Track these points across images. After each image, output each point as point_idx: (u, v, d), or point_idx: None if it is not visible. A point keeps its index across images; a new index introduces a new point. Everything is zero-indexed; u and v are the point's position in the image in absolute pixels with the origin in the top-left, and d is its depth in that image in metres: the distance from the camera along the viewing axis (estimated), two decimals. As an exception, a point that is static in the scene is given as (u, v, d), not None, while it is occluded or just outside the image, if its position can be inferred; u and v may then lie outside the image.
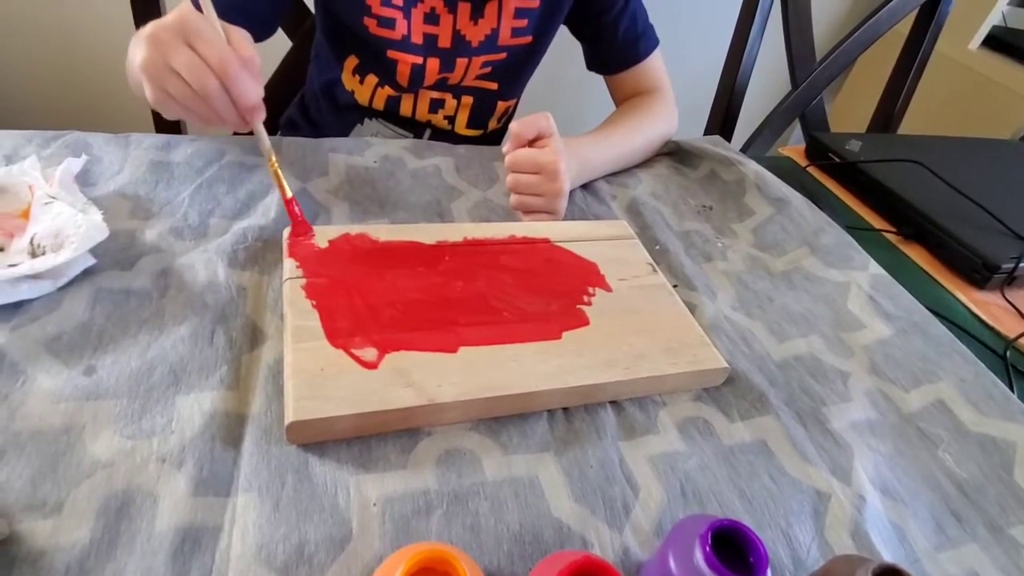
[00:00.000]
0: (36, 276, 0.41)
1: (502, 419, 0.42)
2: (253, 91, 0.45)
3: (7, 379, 0.37)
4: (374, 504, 0.36)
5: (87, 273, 0.44)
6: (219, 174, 0.56)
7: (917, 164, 0.79)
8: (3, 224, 0.46)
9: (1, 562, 0.30)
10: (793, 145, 0.96)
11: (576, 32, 0.80)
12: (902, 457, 0.47)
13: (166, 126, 0.83)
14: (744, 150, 0.95)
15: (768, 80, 1.41)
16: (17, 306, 0.41)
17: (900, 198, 0.76)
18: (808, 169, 0.86)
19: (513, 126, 0.59)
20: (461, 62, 0.73)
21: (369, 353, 0.41)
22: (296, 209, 0.50)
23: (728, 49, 1.08)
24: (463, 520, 0.36)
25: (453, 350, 0.43)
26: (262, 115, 0.48)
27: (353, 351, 0.41)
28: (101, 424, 0.36)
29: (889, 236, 0.75)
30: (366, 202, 0.58)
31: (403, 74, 0.72)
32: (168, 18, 0.44)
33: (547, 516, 0.37)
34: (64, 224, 0.43)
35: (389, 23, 0.68)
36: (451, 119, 0.80)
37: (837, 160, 0.83)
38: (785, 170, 0.78)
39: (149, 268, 0.46)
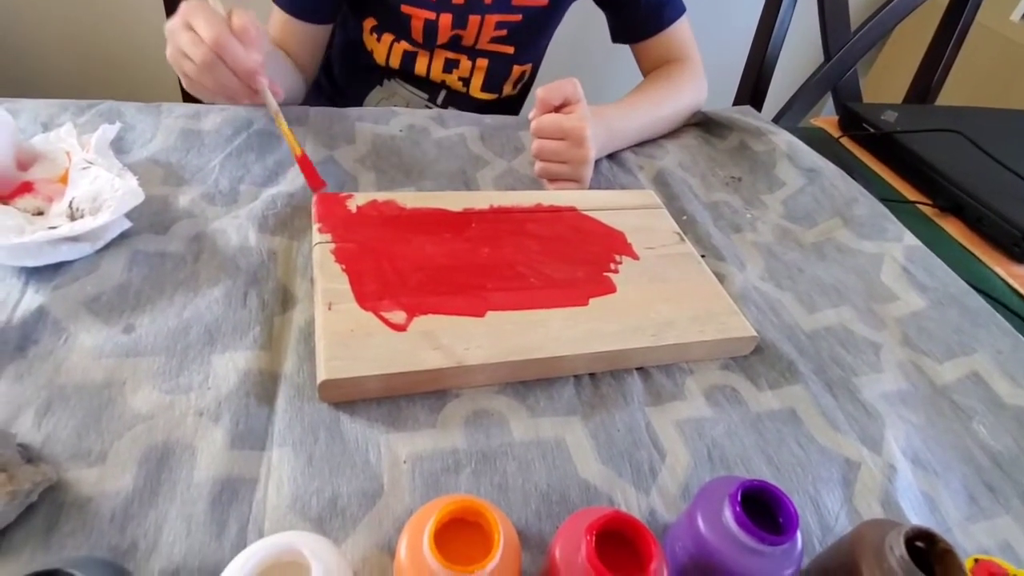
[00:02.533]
0: (75, 238, 0.42)
1: (529, 383, 0.42)
2: (244, 57, 0.50)
3: (51, 336, 0.38)
4: (404, 461, 0.36)
5: (123, 236, 0.45)
6: (248, 142, 0.56)
7: (956, 134, 0.77)
8: (42, 189, 0.47)
9: (51, 507, 0.31)
10: (825, 116, 0.93)
11: (598, 1, 0.79)
12: (934, 428, 0.46)
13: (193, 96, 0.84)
14: (775, 122, 0.93)
15: (800, 50, 1.36)
16: (57, 267, 0.42)
17: (937, 170, 0.74)
18: (841, 140, 0.84)
19: (540, 91, 0.58)
20: (474, 19, 0.72)
21: (398, 316, 0.42)
22: (309, 164, 0.53)
23: (759, 18, 1.05)
24: (491, 478, 0.36)
25: (480, 314, 0.43)
26: (262, 79, 0.52)
27: (382, 313, 0.42)
28: (140, 380, 0.37)
29: (924, 209, 0.73)
30: (392, 171, 0.58)
31: (416, 29, 0.72)
32: (179, 9, 0.50)
33: (574, 477, 0.37)
34: (101, 188, 0.44)
35: None
36: (466, 81, 0.79)
37: (872, 131, 0.81)
38: (817, 141, 0.76)
39: (183, 232, 0.47)
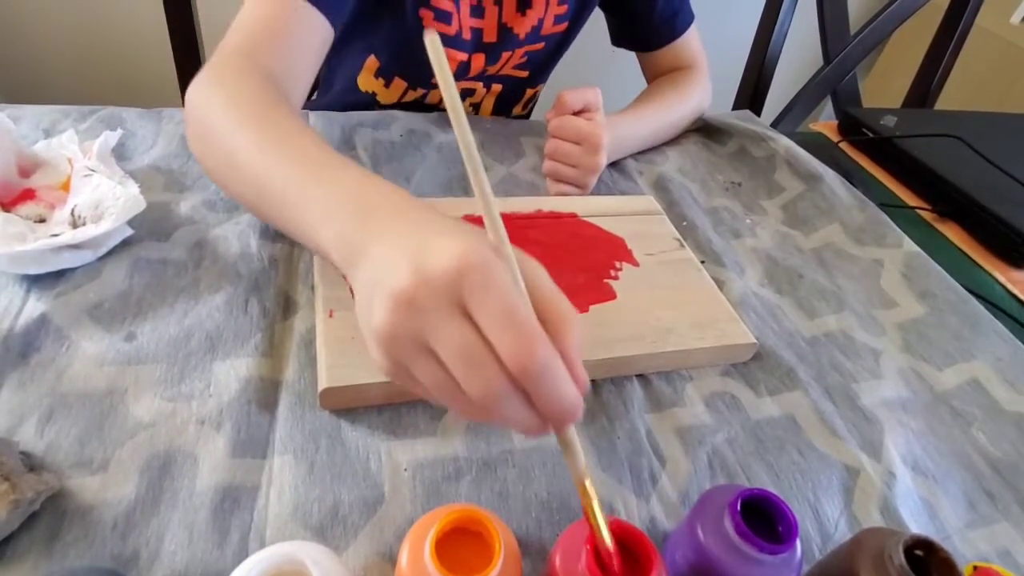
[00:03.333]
0: (77, 246, 0.42)
1: (529, 390, 0.42)
2: (568, 392, 0.26)
3: (53, 344, 0.38)
4: (405, 469, 0.36)
5: (125, 243, 0.45)
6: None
7: (955, 139, 0.77)
8: (44, 196, 0.47)
9: (53, 515, 0.31)
10: (824, 120, 0.94)
11: (607, 8, 0.77)
12: (934, 435, 0.46)
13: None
14: (774, 126, 0.93)
15: (799, 54, 1.37)
16: (59, 274, 0.42)
17: (936, 175, 0.74)
18: (840, 145, 0.84)
19: (562, 94, 0.59)
20: (506, 55, 0.71)
21: (399, 323, 0.42)
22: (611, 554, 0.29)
23: (759, 21, 1.05)
24: (491, 486, 0.36)
25: (481, 321, 0.43)
26: (576, 418, 0.27)
27: (383, 321, 0.42)
28: (142, 387, 0.37)
29: (923, 213, 0.73)
30: (392, 176, 0.58)
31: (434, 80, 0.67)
32: (435, 267, 0.25)
33: (574, 484, 0.37)
34: (103, 196, 0.44)
35: (445, 16, 0.64)
36: (476, 106, 0.78)
37: (871, 135, 0.81)
38: (817, 146, 0.76)
39: (184, 239, 0.47)
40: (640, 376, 0.45)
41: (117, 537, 0.31)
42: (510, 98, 0.79)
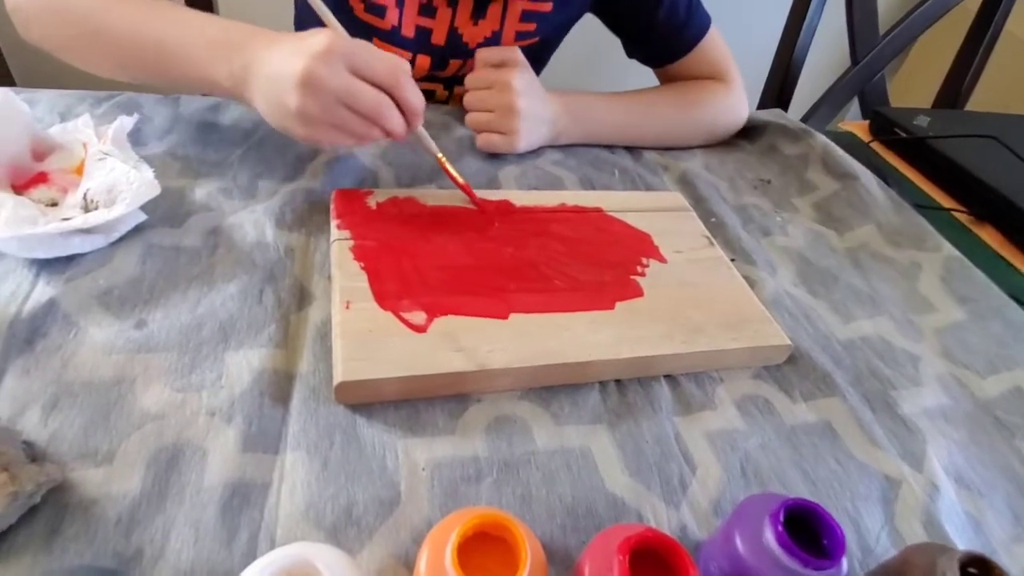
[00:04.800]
0: (89, 230, 0.41)
1: (553, 388, 0.40)
2: (420, 96, 0.44)
3: (61, 330, 0.37)
4: (423, 468, 0.35)
5: (138, 229, 0.44)
6: (268, 136, 0.55)
7: (991, 140, 0.74)
8: (57, 179, 0.46)
9: (54, 509, 0.30)
10: (851, 120, 0.91)
11: (607, 25, 0.71)
12: (977, 446, 0.43)
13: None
14: (801, 126, 0.91)
15: (827, 53, 1.34)
16: (70, 259, 0.41)
17: (972, 176, 0.71)
18: (871, 145, 0.81)
19: (478, 52, 0.58)
20: (455, 63, 0.66)
21: (418, 316, 0.40)
22: (472, 193, 0.51)
23: (786, 21, 1.02)
24: (514, 489, 0.34)
25: (503, 316, 0.41)
26: (421, 115, 0.46)
27: (402, 314, 0.40)
28: (152, 376, 0.36)
29: (959, 216, 0.70)
30: (413, 168, 0.56)
31: None
32: (316, 49, 0.40)
33: (601, 489, 0.35)
34: (117, 180, 0.43)
35: (378, 10, 0.61)
36: (444, 102, 0.73)
37: (904, 135, 0.79)
38: (847, 145, 0.73)
39: (199, 226, 0.45)
40: (668, 377, 0.43)
41: (120, 534, 0.29)
42: None
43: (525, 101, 0.57)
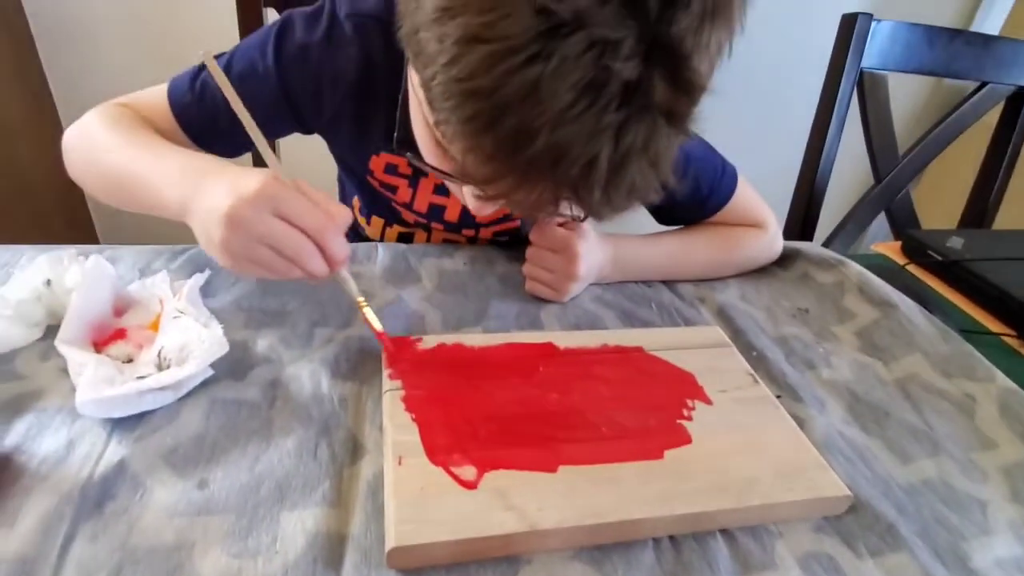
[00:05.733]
0: (161, 388, 0.44)
1: (605, 547, 0.39)
2: (344, 247, 0.45)
3: (128, 491, 0.38)
4: (476, 643, 0.33)
5: (204, 383, 0.46)
6: (322, 283, 0.59)
7: (1030, 261, 0.74)
8: (133, 336, 0.49)
9: None
10: (882, 241, 0.92)
11: None
12: (1067, 607, 0.40)
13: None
14: (826, 245, 0.92)
15: (848, 171, 1.38)
16: (140, 416, 0.43)
17: (1017, 300, 0.70)
18: (906, 268, 0.82)
19: None
20: (468, 232, 0.71)
21: (468, 472, 0.40)
22: (386, 340, 0.50)
23: (806, 144, 1.07)
24: (571, 667, 0.33)
25: (552, 469, 0.42)
26: (347, 263, 0.48)
27: (452, 469, 0.40)
28: (210, 541, 0.36)
29: (1008, 340, 0.69)
30: (459, 309, 0.59)
31: (408, 219, 0.71)
32: (245, 191, 0.41)
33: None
34: (189, 339, 0.46)
35: (391, 189, 0.67)
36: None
37: (939, 258, 0.79)
38: (881, 269, 0.74)
39: (260, 379, 0.48)
40: (723, 531, 0.42)
41: None
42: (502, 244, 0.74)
43: (584, 268, 0.60)
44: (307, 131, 0.64)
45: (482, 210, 0.49)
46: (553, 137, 0.34)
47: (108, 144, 0.54)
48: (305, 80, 0.58)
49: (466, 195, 0.49)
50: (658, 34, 0.33)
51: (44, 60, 1.39)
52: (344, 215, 0.45)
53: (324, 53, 0.57)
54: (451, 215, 0.69)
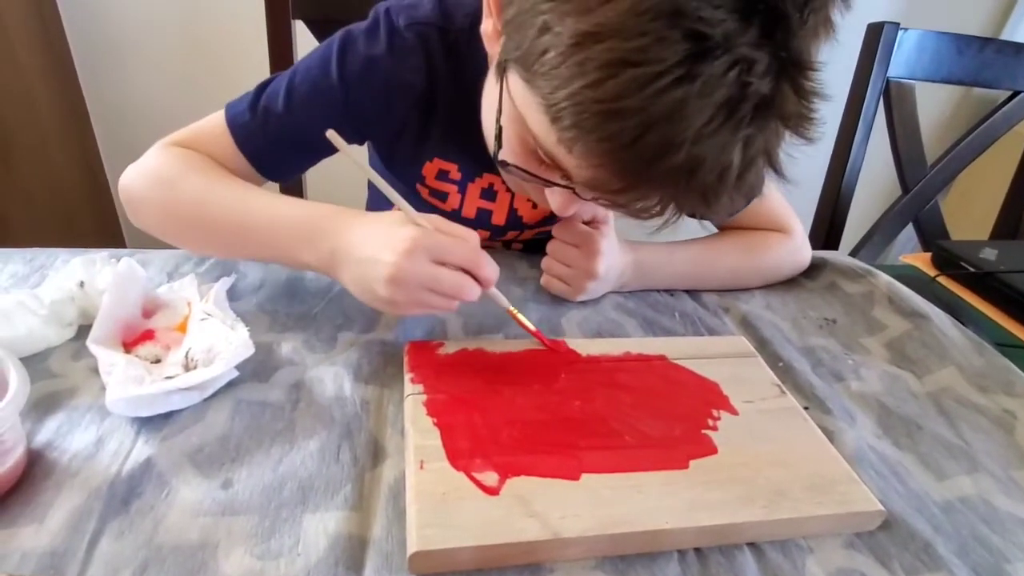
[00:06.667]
0: (187, 388, 0.44)
1: (628, 558, 0.39)
2: (495, 269, 0.48)
3: (154, 489, 0.39)
4: (498, 652, 0.33)
5: (229, 384, 0.47)
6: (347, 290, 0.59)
7: (1070, 274, 0.72)
8: (162, 337, 0.50)
9: None
10: (910, 253, 0.90)
11: None
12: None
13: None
14: (853, 254, 0.90)
15: (875, 182, 1.35)
16: (167, 416, 0.44)
17: (1055, 312, 0.68)
18: (938, 280, 0.80)
19: None
20: (512, 234, 0.72)
21: (490, 477, 0.40)
22: (543, 337, 0.54)
23: (831, 155, 1.06)
24: None
25: (575, 477, 0.41)
26: (492, 282, 0.49)
27: (474, 474, 0.40)
28: (234, 541, 0.36)
29: (1047, 354, 0.67)
30: (480, 316, 0.59)
31: None
32: (401, 247, 0.44)
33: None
34: (216, 340, 0.46)
35: (441, 196, 0.67)
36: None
37: (972, 270, 0.77)
38: (911, 280, 0.72)
39: (284, 381, 0.48)
40: (751, 545, 0.41)
41: None
42: (539, 250, 0.73)
43: (604, 266, 0.60)
44: (363, 142, 0.64)
45: (569, 207, 0.50)
46: (693, 151, 0.36)
47: (195, 196, 0.54)
48: (375, 93, 0.57)
49: (555, 197, 0.50)
50: (788, 49, 0.35)
51: (78, 63, 1.43)
52: (477, 238, 0.48)
53: (390, 64, 0.56)
54: (498, 219, 0.69)
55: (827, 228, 1.07)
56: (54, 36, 1.36)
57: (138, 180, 0.56)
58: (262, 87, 0.58)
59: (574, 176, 0.44)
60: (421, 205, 0.68)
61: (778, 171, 0.42)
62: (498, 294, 0.52)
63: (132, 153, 0.58)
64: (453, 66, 0.57)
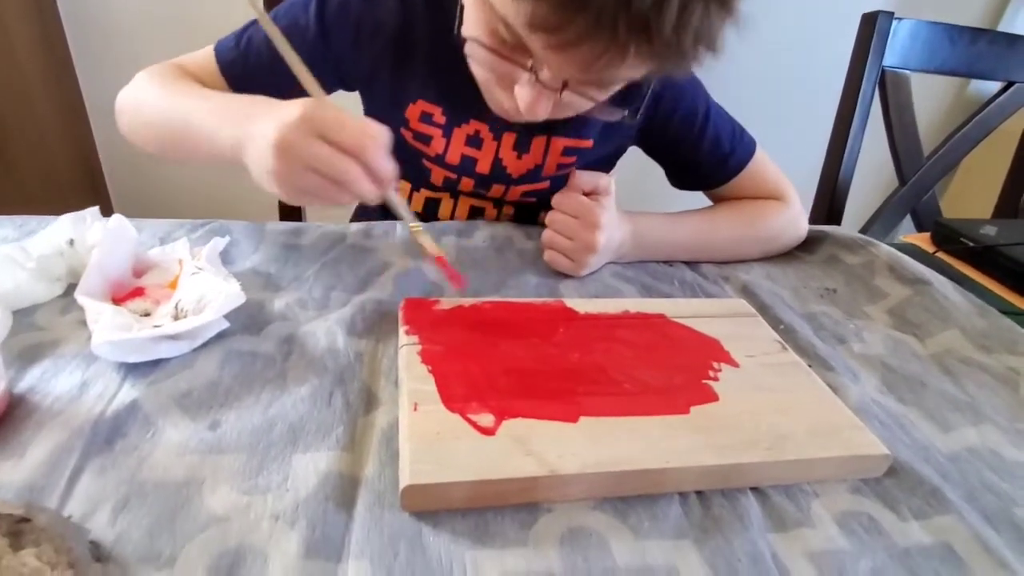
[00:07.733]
0: (176, 337, 0.43)
1: (629, 499, 0.37)
2: (389, 164, 0.44)
3: (140, 431, 0.38)
4: (494, 584, 0.32)
5: (220, 336, 0.46)
6: (341, 255, 0.59)
7: (1070, 247, 0.71)
8: (152, 293, 0.49)
9: (111, 616, 0.28)
10: (909, 234, 0.90)
11: (651, 157, 0.73)
12: None
13: (289, 213, 0.94)
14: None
15: (873, 173, 1.35)
16: (156, 363, 0.43)
17: (1056, 282, 0.68)
18: (937, 255, 0.79)
19: (574, 173, 0.61)
20: (498, 188, 0.70)
21: (486, 419, 0.39)
22: (448, 266, 0.52)
23: (828, 144, 1.06)
24: (594, 611, 0.31)
25: (573, 420, 0.40)
26: (396, 184, 0.47)
27: (470, 416, 0.39)
28: (220, 478, 0.35)
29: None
30: (477, 281, 0.58)
31: (437, 179, 0.70)
32: (288, 118, 0.42)
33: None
34: (207, 291, 0.46)
35: (425, 139, 0.66)
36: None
37: (972, 244, 0.77)
38: (911, 255, 0.72)
39: (275, 334, 0.47)
40: (755, 489, 0.39)
41: (176, 645, 0.27)
42: (526, 222, 0.72)
43: (604, 238, 0.59)
44: (348, 87, 0.66)
45: (538, 105, 0.49)
46: None
47: (158, 100, 0.57)
48: (345, 32, 0.60)
49: (523, 90, 0.49)
50: None
51: (76, 62, 1.44)
52: (384, 133, 0.44)
53: (362, 5, 0.60)
54: (483, 166, 0.67)
55: (825, 219, 1.07)
56: (53, 35, 1.37)
57: (123, 95, 0.62)
58: (251, 23, 0.61)
59: (524, 37, 0.44)
60: (405, 149, 0.68)
61: (720, 29, 0.42)
62: (397, 201, 0.48)
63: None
64: (433, 9, 0.59)
